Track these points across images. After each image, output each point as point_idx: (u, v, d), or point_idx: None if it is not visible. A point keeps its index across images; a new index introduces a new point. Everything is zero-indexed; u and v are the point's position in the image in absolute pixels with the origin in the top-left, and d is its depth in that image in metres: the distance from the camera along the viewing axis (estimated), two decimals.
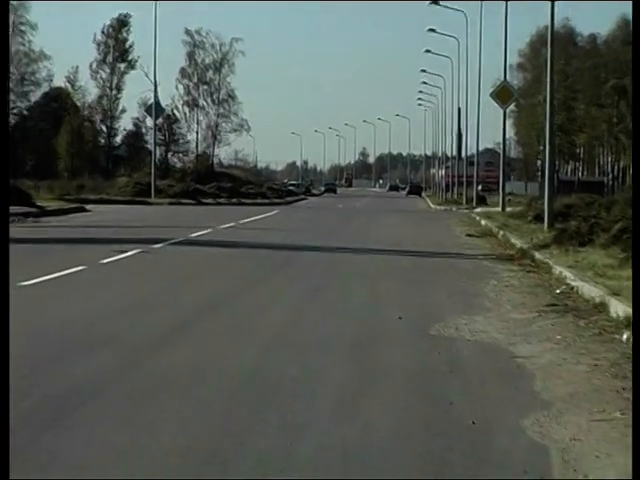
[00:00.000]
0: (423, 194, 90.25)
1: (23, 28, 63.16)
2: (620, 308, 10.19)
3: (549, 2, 23.14)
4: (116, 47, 70.92)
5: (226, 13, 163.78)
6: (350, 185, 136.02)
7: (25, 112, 67.98)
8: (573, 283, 13.44)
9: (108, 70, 71.01)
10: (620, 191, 42.86)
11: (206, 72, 73.88)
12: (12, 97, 57.92)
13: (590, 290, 12.30)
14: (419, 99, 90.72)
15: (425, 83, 78.92)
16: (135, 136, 73.57)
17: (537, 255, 17.70)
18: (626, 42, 57.00)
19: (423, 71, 72.52)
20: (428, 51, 64.68)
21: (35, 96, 68.20)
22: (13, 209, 24.87)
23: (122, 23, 71.48)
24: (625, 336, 8.96)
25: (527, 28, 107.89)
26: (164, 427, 5.65)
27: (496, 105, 39.43)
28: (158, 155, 61.90)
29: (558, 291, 12.84)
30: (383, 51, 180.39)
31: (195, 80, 73.48)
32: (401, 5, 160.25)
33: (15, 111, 64.20)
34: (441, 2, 52.41)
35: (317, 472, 4.75)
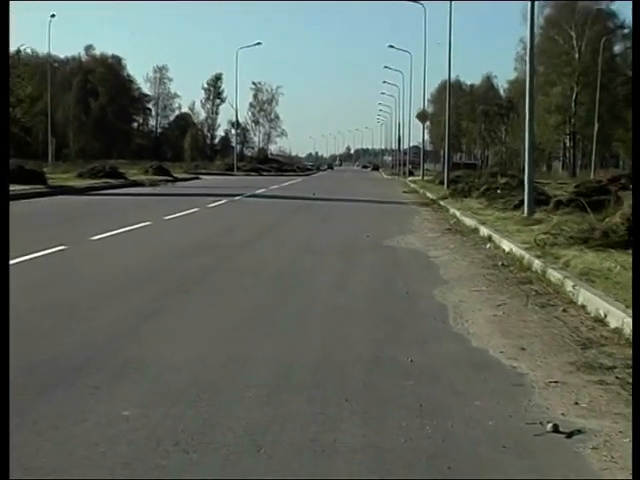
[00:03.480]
0: (380, 170, 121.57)
1: (165, 81, 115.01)
2: (485, 231, 15.03)
3: (447, 66, 36.34)
4: (214, 91, 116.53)
5: (275, 72, 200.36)
6: (341, 165, 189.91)
7: (167, 126, 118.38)
8: (459, 217, 19.21)
9: (210, 103, 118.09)
10: (485, 168, 56.99)
11: (263, 104, 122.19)
12: (159, 119, 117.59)
13: (469, 221, 17.59)
14: (378, 117, 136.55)
15: (381, 103, 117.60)
16: (225, 139, 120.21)
17: (441, 202, 25.51)
18: (488, 88, 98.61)
19: (382, 93, 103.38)
20: (385, 82, 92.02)
21: (171, 117, 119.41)
22: (165, 178, 45.70)
23: (217, 77, 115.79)
24: (487, 245, 12.76)
25: (437, 77, 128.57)
26: (242, 292, 8.55)
27: (418, 123, 72.29)
28: (237, 149, 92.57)
29: (452, 222, 18.63)
30: (361, 86, 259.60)
31: (257, 108, 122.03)
32: (365, 49, 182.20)
33: (160, 125, 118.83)
34: (395, 46, 71.92)
35: (324, 318, 7.15)
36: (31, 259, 10.37)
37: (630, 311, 6.58)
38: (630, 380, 5.11)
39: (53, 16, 60.66)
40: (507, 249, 12.07)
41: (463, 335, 6.48)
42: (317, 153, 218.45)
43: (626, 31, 72.27)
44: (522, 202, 17.63)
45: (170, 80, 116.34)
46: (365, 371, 5.35)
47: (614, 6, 71.01)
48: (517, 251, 11.35)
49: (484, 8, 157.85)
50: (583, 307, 7.47)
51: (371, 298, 8.38)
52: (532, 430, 4.21)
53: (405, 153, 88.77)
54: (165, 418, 4.28)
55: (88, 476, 3.50)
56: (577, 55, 68.28)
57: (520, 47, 66.75)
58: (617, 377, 5.20)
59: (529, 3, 17.83)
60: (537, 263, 9.87)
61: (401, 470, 3.64)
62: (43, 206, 22.57)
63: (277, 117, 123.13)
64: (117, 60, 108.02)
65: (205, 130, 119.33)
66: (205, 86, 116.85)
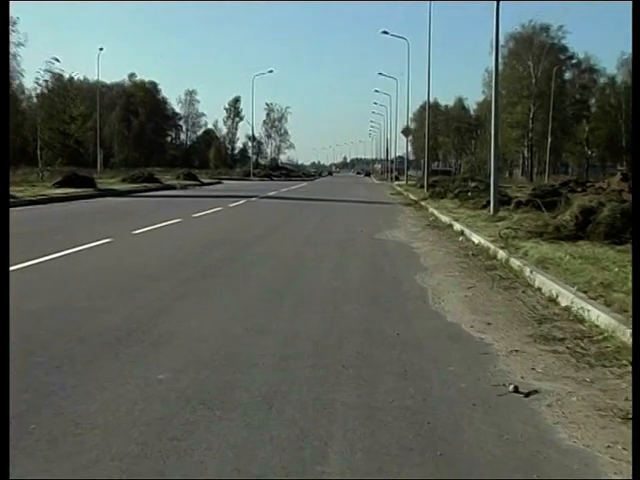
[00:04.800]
0: (371, 176, 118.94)
1: (194, 102, 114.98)
2: (458, 226, 14.97)
3: (427, 90, 43.22)
4: (234, 110, 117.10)
5: (284, 95, 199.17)
6: (339, 172, 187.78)
7: (195, 139, 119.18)
8: (437, 215, 19.08)
9: (231, 121, 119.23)
10: (458, 174, 54.81)
11: (274, 121, 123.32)
12: (189, 134, 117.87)
13: (444, 218, 17.52)
14: (370, 131, 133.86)
15: (372, 120, 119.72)
16: (243, 150, 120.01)
17: (421, 203, 25.32)
18: (460, 108, 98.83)
19: (373, 112, 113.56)
20: (376, 103, 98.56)
21: (199, 132, 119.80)
22: (193, 183, 46.09)
23: (236, 99, 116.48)
24: (460, 238, 12.69)
25: (418, 99, 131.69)
26: (256, 277, 8.57)
27: (403, 137, 72.60)
28: (253, 159, 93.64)
29: (431, 219, 18.69)
30: (356, 106, 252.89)
31: (269, 125, 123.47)
32: (359, 75, 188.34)
33: (190, 139, 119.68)
34: (384, 74, 74.02)
35: (325, 298, 7.12)
36: (84, 249, 10.40)
37: (581, 294, 6.62)
38: (578, 349, 5.14)
39: (101, 49, 60.70)
40: (476, 241, 12.05)
41: (440, 312, 6.49)
42: (319, 162, 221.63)
43: (574, 61, 72.70)
44: (488, 202, 17.64)
45: (198, 102, 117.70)
46: (359, 342, 5.34)
47: (565, 41, 71.22)
48: (484, 243, 11.34)
49: (458, 41, 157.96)
50: (539, 289, 7.49)
51: (364, 282, 8.38)
52: (497, 391, 4.21)
53: (392, 162, 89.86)
54: (193, 381, 4.28)
55: (131, 427, 3.50)
56: (534, 81, 68.31)
57: (487, 74, 67.19)
58: (567, 347, 5.20)
59: (494, 36, 17.84)
60: (501, 253, 9.87)
61: (389, 425, 3.64)
62: (93, 206, 22.55)
63: (286, 132, 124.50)
64: (154, 85, 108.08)
65: (226, 143, 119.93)
66: (226, 106, 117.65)
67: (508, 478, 3.05)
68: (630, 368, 4.61)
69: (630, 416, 3.80)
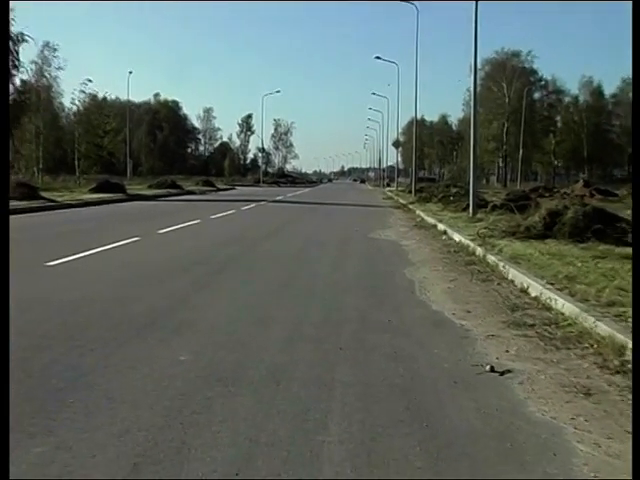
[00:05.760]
0: (366, 183, 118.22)
1: (211, 118, 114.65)
2: (441, 227, 14.82)
3: (414, 108, 35.99)
4: (246, 125, 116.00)
5: (290, 111, 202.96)
6: (338, 179, 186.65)
7: (212, 151, 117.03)
8: (423, 217, 19.03)
9: (243, 135, 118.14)
10: (441, 181, 55.22)
11: (281, 135, 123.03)
12: (207, 146, 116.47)
13: (430, 220, 17.46)
14: (364, 143, 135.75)
15: (366, 134, 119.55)
16: (254, 160, 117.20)
17: (409, 206, 25.48)
18: (443, 123, 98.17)
19: (367, 127, 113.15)
20: (369, 119, 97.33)
21: (215, 145, 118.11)
22: (210, 189, 45.63)
23: (248, 116, 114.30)
24: (443, 237, 12.68)
25: (407, 115, 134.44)
26: (264, 270, 8.51)
27: (393, 148, 70.91)
28: (263, 168, 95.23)
29: (418, 220, 18.64)
30: (352, 121, 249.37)
31: (277, 138, 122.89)
32: (356, 94, 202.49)
33: (207, 151, 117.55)
34: (377, 93, 76.78)
35: (324, 292, 7.00)
36: (116, 246, 10.39)
37: (549, 285, 6.60)
38: (546, 334, 5.12)
39: (131, 72, 61.05)
40: (457, 240, 12.02)
41: (426, 302, 6.46)
42: (320, 170, 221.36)
43: (542, 83, 72.62)
44: (468, 206, 17.56)
45: (214, 118, 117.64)
46: (355, 328, 5.32)
47: (534, 65, 71.20)
48: (465, 241, 11.31)
49: (441, 64, 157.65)
50: (512, 281, 7.46)
51: (359, 275, 8.37)
52: (475, 370, 4.19)
53: (384, 170, 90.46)
54: (210, 362, 4.27)
55: (156, 402, 3.49)
56: (507, 100, 68.20)
57: (467, 94, 66.96)
58: (536, 332, 5.18)
59: (472, 61, 17.80)
60: (479, 250, 9.85)
61: (381, 400, 3.63)
62: (123, 209, 22.55)
63: (291, 144, 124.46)
64: (176, 103, 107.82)
65: (239, 154, 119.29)
66: (239, 122, 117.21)
67: (508, 478, 2.81)
68: (592, 350, 4.62)
69: (592, 392, 3.81)
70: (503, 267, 8.10)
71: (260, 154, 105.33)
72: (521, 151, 60.84)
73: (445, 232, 13.63)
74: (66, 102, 55.00)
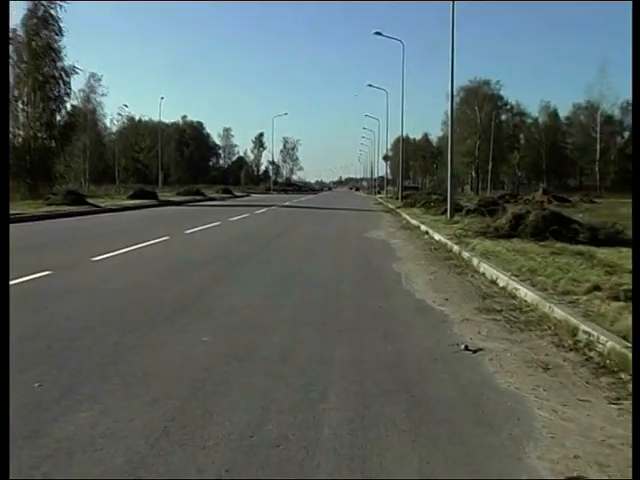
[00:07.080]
0: (360, 191, 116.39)
1: (229, 136, 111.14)
2: (424, 228, 14.56)
3: (400, 128, 42.76)
4: (259, 143, 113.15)
5: (296, 130, 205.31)
6: (337, 188, 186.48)
7: (230, 164, 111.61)
8: (409, 219, 18.76)
9: (256, 150, 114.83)
10: (423, 190, 54.37)
11: (289, 150, 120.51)
12: (226, 160, 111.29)
13: (414, 222, 17.29)
14: (359, 156, 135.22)
15: (361, 150, 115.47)
16: (266, 172, 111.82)
17: (397, 210, 25.13)
18: (425, 141, 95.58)
19: (362, 143, 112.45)
20: (363, 137, 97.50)
21: (233, 159, 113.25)
22: (229, 195, 45.11)
23: (261, 134, 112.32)
24: (425, 237, 12.57)
25: (395, 133, 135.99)
26: (273, 264, 8.52)
27: (383, 161, 70.14)
28: (273, 178, 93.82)
29: (404, 222, 18.48)
30: (348, 138, 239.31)
31: (285, 153, 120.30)
32: (352, 115, 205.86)
33: (226, 164, 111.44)
34: (369, 115, 78.44)
35: (325, 282, 6.91)
36: (149, 244, 10.37)
37: (514, 277, 6.57)
38: (511, 318, 5.09)
39: (162, 98, 60.67)
40: (437, 239, 11.96)
41: (410, 291, 6.42)
42: (321, 180, 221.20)
43: (508, 107, 72.59)
44: (446, 210, 17.52)
45: (232, 136, 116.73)
46: (351, 313, 5.29)
47: (501, 92, 71.17)
48: (443, 240, 11.27)
49: (424, 90, 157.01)
50: (483, 274, 7.43)
51: (354, 268, 8.34)
52: (452, 349, 4.17)
53: (375, 180, 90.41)
54: (228, 342, 4.24)
55: (183, 376, 3.47)
56: (479, 121, 67.96)
57: (445, 116, 66.86)
58: (504, 316, 5.15)
59: (449, 89, 17.77)
60: (455, 247, 9.81)
61: (373, 374, 3.61)
62: (155, 212, 22.53)
63: (297, 158, 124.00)
64: (200, 124, 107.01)
65: (253, 166, 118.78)
66: (253, 140, 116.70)
67: (508, 478, 2.44)
68: (550, 331, 4.59)
69: (550, 367, 3.78)
70: (476, 262, 8.09)
71: (271, 166, 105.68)
72: (490, 164, 60.95)
73: (427, 232, 13.57)
74: (108, 123, 55.17)
